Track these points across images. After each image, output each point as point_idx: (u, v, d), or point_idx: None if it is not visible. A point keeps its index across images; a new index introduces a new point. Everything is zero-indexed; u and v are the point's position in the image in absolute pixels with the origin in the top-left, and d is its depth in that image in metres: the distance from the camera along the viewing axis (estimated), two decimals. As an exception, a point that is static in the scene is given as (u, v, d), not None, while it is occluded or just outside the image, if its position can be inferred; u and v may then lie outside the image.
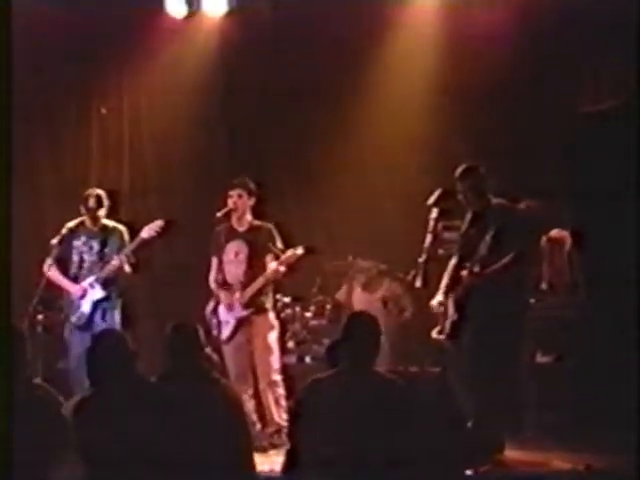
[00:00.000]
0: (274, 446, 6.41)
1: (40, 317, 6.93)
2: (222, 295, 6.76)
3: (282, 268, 6.65)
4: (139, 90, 8.68)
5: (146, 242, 6.72)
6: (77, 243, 6.80)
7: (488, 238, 5.70)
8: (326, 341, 7.61)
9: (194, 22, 8.47)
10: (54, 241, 6.71)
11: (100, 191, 6.91)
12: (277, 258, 6.68)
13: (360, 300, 8.17)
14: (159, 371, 4.61)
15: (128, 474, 4.17)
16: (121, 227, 6.89)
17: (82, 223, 6.84)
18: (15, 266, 7.43)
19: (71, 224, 6.82)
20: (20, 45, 7.68)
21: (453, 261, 6.15)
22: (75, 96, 8.54)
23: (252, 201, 6.80)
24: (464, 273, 5.82)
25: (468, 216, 6.11)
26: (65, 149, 8.61)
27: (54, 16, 7.98)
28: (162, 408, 4.30)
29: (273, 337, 6.77)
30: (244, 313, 6.69)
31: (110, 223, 6.89)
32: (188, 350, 4.50)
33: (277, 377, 6.73)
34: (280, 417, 6.63)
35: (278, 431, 6.56)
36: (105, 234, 6.82)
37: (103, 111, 8.51)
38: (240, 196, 6.74)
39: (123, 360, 4.42)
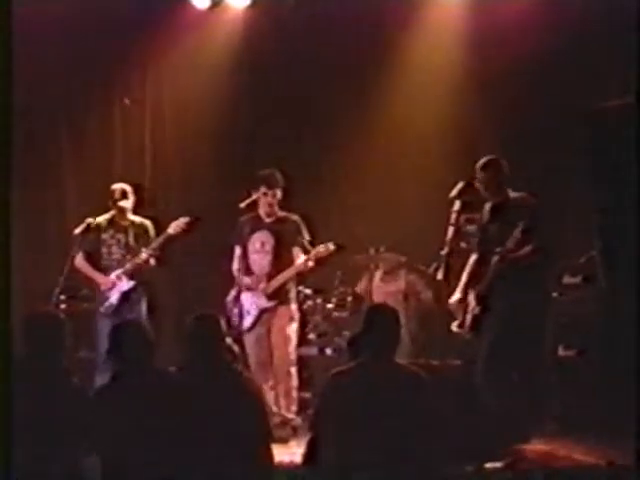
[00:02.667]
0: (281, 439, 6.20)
1: (63, 306, 7.01)
2: (246, 285, 6.75)
3: (311, 262, 6.64)
4: (162, 81, 8.68)
5: (172, 238, 6.92)
6: (105, 236, 6.97)
7: (517, 233, 5.66)
8: (347, 333, 7.61)
9: (218, 13, 8.46)
10: (77, 231, 6.86)
11: (126, 185, 7.05)
12: (304, 250, 6.68)
13: (381, 293, 8.16)
14: (180, 361, 4.63)
15: (146, 463, 4.19)
16: (147, 222, 7.06)
17: (111, 218, 7.00)
18: (38, 257, 7.54)
19: (99, 219, 6.98)
20: (43, 36, 7.85)
21: (473, 257, 6.14)
22: (98, 88, 8.55)
23: (279, 194, 6.79)
24: (495, 259, 5.79)
25: (487, 208, 6.11)
26: (88, 141, 8.63)
27: (78, 6, 7.99)
28: (182, 398, 4.32)
29: (292, 328, 6.77)
30: (269, 304, 6.68)
31: (137, 218, 7.05)
32: (210, 340, 4.51)
33: (292, 369, 6.73)
34: (288, 409, 6.63)
35: (284, 423, 6.53)
36: (132, 228, 7.00)
37: (127, 102, 8.52)
38: (265, 194, 6.71)
39: (143, 350, 4.43)
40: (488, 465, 5.33)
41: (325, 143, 8.30)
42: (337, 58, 8.20)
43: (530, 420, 5.96)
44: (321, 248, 6.63)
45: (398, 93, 8.30)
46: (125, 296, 6.88)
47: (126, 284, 6.88)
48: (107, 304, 6.86)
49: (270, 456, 4.51)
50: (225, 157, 8.44)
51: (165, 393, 4.35)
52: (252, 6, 8.38)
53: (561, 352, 7.10)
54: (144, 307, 6.97)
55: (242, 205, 6.69)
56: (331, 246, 6.62)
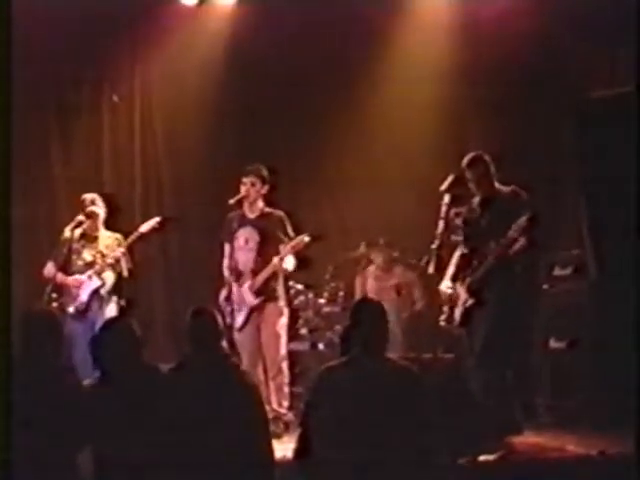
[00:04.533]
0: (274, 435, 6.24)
1: (55, 304, 7.01)
2: (233, 282, 6.75)
3: (290, 255, 6.62)
4: (151, 78, 8.67)
5: (144, 236, 7.03)
6: (76, 246, 7.00)
7: (522, 221, 5.66)
8: (339, 328, 7.62)
9: (206, 10, 8.45)
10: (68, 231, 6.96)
11: (96, 195, 7.10)
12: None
13: (373, 288, 8.17)
14: (176, 357, 4.63)
15: (142, 463, 4.19)
16: (119, 235, 7.10)
17: (82, 229, 7.02)
18: (29, 258, 7.52)
19: (68, 233, 6.98)
20: (31, 33, 7.80)
21: (460, 250, 6.15)
22: (87, 85, 8.54)
23: (265, 189, 6.79)
24: (493, 250, 5.80)
25: (475, 202, 6.12)
26: (76, 140, 8.62)
27: (66, 3, 7.97)
28: (180, 395, 4.32)
29: (281, 324, 6.75)
30: (256, 301, 6.68)
31: (109, 233, 7.11)
32: (208, 335, 4.49)
33: (283, 364, 6.73)
34: (280, 405, 6.63)
35: (276, 419, 6.50)
36: (103, 239, 7.07)
37: (115, 99, 8.52)
38: (253, 184, 6.72)
39: (130, 347, 4.43)
40: (481, 458, 5.35)
41: (314, 139, 8.29)
42: (325, 53, 8.18)
43: (522, 412, 5.96)
44: (297, 239, 6.60)
45: (388, 88, 8.29)
46: (94, 295, 6.92)
47: (95, 282, 6.91)
48: (77, 303, 6.89)
49: (270, 448, 4.49)
50: (214, 151, 8.43)
51: (158, 388, 4.35)
52: (239, 2, 8.37)
53: (552, 344, 7.12)
54: (114, 306, 6.99)
55: (231, 201, 6.69)
56: (306, 238, 6.58)
